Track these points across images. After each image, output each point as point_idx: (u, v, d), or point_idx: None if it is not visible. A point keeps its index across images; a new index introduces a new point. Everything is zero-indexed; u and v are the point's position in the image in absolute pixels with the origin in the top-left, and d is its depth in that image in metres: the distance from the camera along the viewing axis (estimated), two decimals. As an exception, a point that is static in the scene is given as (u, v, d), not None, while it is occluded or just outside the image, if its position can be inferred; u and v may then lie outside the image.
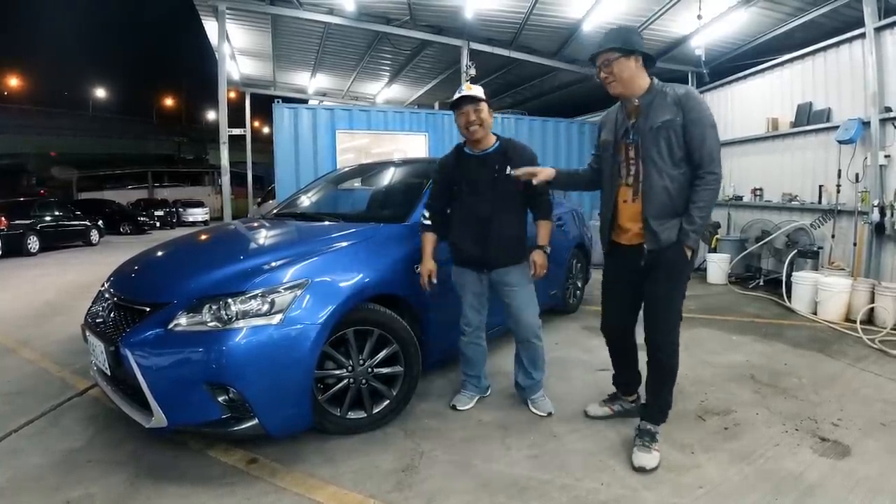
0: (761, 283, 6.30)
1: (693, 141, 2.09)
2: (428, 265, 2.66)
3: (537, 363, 2.76)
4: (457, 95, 2.60)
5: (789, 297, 5.23)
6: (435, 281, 2.66)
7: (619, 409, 2.53)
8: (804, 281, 5.05)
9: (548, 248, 2.68)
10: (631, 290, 2.34)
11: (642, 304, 2.32)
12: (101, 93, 36.08)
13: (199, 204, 24.23)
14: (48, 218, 11.88)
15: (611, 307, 2.45)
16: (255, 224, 3.51)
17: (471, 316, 2.76)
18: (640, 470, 2.14)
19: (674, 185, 2.13)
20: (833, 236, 5.70)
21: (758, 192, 7.05)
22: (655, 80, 2.21)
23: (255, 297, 2.20)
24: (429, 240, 2.70)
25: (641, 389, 2.53)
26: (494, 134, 2.72)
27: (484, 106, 2.59)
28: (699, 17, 6.50)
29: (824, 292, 4.78)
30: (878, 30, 5.20)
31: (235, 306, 2.17)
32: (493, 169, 2.61)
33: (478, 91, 2.60)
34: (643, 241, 2.18)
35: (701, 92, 8.46)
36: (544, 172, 2.40)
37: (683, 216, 2.13)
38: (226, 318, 2.15)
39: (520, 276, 2.67)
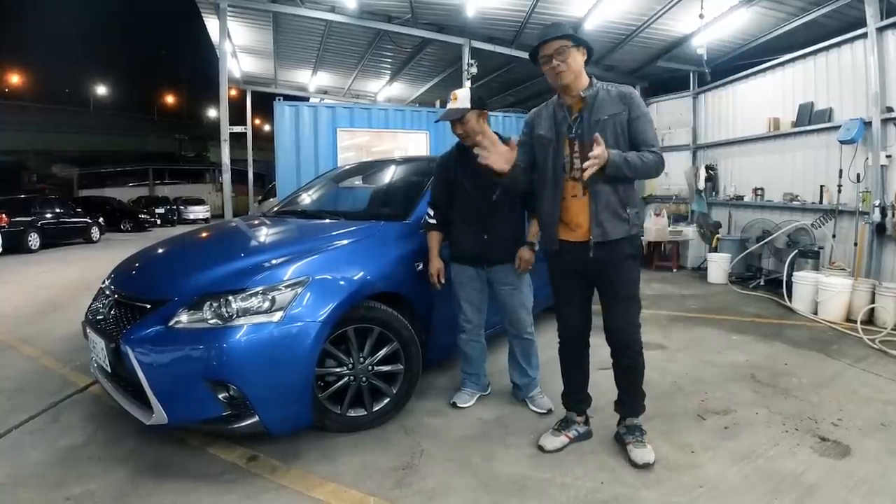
0: (762, 283, 6.30)
1: (639, 135, 2.14)
2: (436, 264, 2.67)
3: (531, 359, 2.79)
4: (444, 112, 2.62)
5: (790, 296, 5.23)
6: (444, 280, 2.67)
7: (575, 434, 2.38)
8: (805, 281, 5.05)
9: (536, 245, 2.68)
10: (586, 287, 2.33)
11: (604, 303, 2.30)
12: (102, 90, 35.99)
13: (200, 201, 24.20)
14: (49, 215, 11.87)
15: (571, 306, 2.36)
16: (256, 222, 3.51)
17: (470, 314, 2.76)
18: (646, 466, 2.17)
19: (619, 181, 2.14)
20: (834, 236, 5.69)
21: (759, 192, 7.04)
22: (593, 78, 2.22)
23: (255, 294, 2.20)
24: (435, 238, 2.70)
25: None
26: (496, 133, 2.73)
27: (470, 117, 2.58)
28: (701, 16, 6.48)
29: (825, 292, 4.77)
30: (881, 30, 5.19)
31: (236, 303, 2.17)
32: None
33: (462, 101, 2.57)
34: (590, 235, 2.16)
35: (702, 91, 8.49)
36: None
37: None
38: (226, 315, 2.15)
39: (517, 275, 2.69)
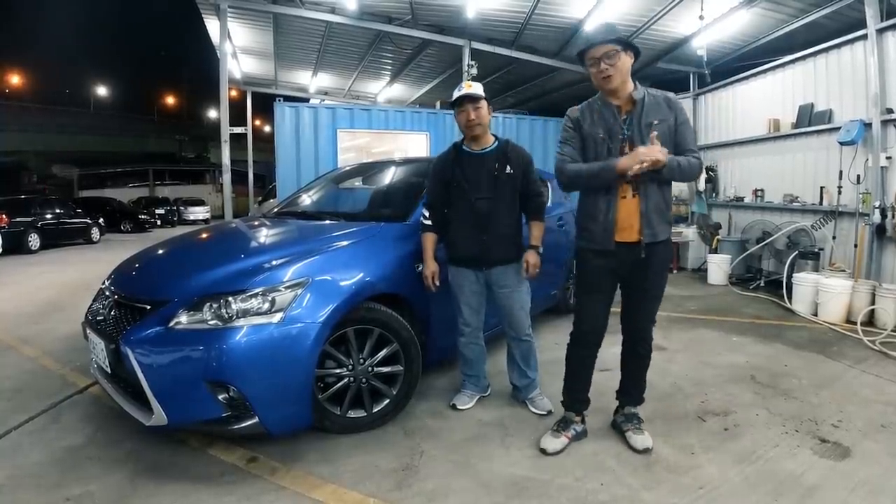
0: (762, 285, 6.30)
1: (683, 141, 2.22)
2: (431, 266, 2.66)
3: (530, 361, 2.79)
4: (457, 94, 2.62)
5: (790, 298, 5.23)
6: (438, 283, 2.67)
7: (573, 433, 2.40)
8: (805, 282, 5.05)
9: (540, 249, 2.69)
10: (614, 289, 2.37)
11: (630, 301, 2.38)
12: (102, 91, 36.01)
13: (200, 202, 24.21)
14: (49, 215, 11.87)
15: (597, 310, 2.34)
16: (256, 223, 3.51)
17: (469, 316, 2.76)
18: (646, 451, 2.30)
19: (664, 183, 2.23)
20: (834, 238, 5.69)
21: (759, 193, 7.04)
22: (636, 82, 2.27)
23: (255, 295, 2.20)
24: (430, 240, 2.70)
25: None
26: (493, 134, 2.74)
27: (483, 104, 2.62)
28: (701, 17, 6.49)
29: (825, 294, 4.77)
30: (881, 31, 5.19)
31: (236, 305, 2.17)
32: (492, 168, 2.63)
33: (478, 89, 2.62)
34: (641, 237, 2.19)
35: (702, 93, 8.49)
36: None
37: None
38: (226, 316, 2.15)
39: (515, 277, 2.69)
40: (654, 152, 2.05)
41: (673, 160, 2.12)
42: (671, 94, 2.27)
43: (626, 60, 2.17)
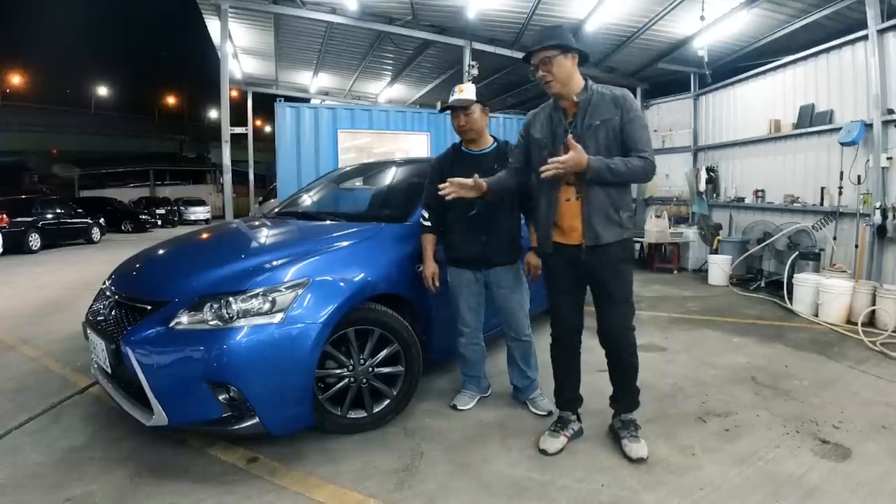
0: (762, 285, 6.29)
1: (630, 140, 2.14)
2: (430, 267, 2.66)
3: (530, 361, 2.79)
4: (450, 100, 2.64)
5: (790, 299, 5.23)
6: (438, 284, 2.67)
7: (571, 432, 2.40)
8: (806, 283, 5.04)
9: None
10: (580, 288, 2.36)
11: (599, 305, 2.33)
12: (103, 91, 35.95)
13: (201, 202, 24.24)
14: (50, 215, 11.88)
15: (565, 309, 2.37)
16: (257, 223, 3.51)
17: (468, 317, 2.76)
18: (640, 461, 2.22)
19: (610, 185, 2.16)
20: (835, 238, 5.69)
21: (759, 194, 7.05)
22: (589, 80, 2.23)
23: (256, 295, 2.20)
24: (429, 241, 2.70)
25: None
26: (492, 136, 2.74)
27: (475, 108, 2.61)
28: (702, 18, 6.49)
29: (826, 294, 4.77)
30: (881, 32, 5.20)
31: (237, 305, 2.17)
32: (492, 168, 2.63)
33: (469, 93, 2.61)
34: (583, 239, 2.18)
35: (703, 93, 8.49)
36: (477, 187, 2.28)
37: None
38: (227, 316, 2.15)
39: (515, 278, 2.70)
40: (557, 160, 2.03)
41: (601, 163, 2.06)
42: (623, 92, 2.20)
43: (565, 64, 2.14)
